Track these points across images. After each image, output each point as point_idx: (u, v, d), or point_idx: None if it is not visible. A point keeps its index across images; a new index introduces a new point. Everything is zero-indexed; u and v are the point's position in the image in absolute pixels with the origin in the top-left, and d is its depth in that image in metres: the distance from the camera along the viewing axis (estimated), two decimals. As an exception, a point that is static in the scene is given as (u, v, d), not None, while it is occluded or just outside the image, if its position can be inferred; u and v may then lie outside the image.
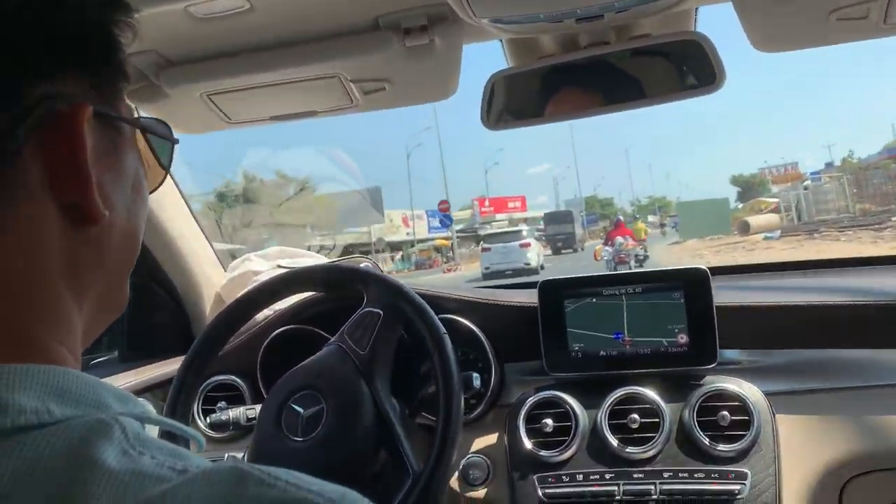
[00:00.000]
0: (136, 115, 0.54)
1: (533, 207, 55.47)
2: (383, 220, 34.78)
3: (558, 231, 33.11)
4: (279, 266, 1.52)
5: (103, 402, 0.42)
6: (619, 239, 15.87)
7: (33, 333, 0.43)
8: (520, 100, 1.06)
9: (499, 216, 46.11)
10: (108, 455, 0.35)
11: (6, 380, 0.38)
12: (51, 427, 0.36)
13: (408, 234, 33.91)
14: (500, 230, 30.03)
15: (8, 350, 0.41)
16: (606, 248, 16.28)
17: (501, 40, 1.11)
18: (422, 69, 1.04)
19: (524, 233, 25.11)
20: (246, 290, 1.20)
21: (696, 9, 1.04)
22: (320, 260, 1.60)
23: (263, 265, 1.52)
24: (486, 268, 22.05)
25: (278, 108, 1.10)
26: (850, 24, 0.96)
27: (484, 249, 23.85)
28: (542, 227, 36.44)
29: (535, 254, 22.91)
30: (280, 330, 1.35)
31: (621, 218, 21.90)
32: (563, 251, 31.78)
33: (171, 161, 0.59)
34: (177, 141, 0.59)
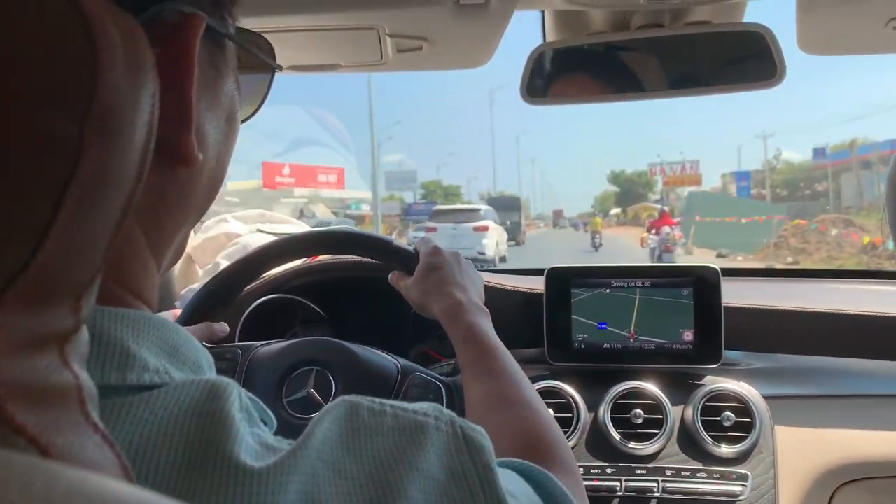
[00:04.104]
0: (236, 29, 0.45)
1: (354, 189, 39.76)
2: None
3: (503, 219, 25.73)
4: (259, 230, 1.41)
5: (200, 365, 0.38)
6: (667, 228, 16.66)
7: (115, 290, 0.36)
8: (563, 76, 1.01)
9: (299, 191, 31.84)
10: (236, 414, 0.33)
11: (131, 327, 0.33)
12: (170, 386, 0.33)
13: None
14: (452, 207, 24.55)
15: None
16: (652, 236, 16.86)
17: (543, 12, 1.06)
18: (466, 31, 0.97)
19: (482, 212, 20.08)
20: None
21: (747, 3, 1.02)
22: (305, 228, 1.51)
23: (241, 228, 1.42)
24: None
25: (302, 57, 1.01)
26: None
27: (428, 229, 18.72)
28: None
29: (494, 241, 18.37)
30: (265, 298, 1.26)
31: (666, 209, 21.07)
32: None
33: (269, 89, 0.51)
34: (280, 67, 0.50)
